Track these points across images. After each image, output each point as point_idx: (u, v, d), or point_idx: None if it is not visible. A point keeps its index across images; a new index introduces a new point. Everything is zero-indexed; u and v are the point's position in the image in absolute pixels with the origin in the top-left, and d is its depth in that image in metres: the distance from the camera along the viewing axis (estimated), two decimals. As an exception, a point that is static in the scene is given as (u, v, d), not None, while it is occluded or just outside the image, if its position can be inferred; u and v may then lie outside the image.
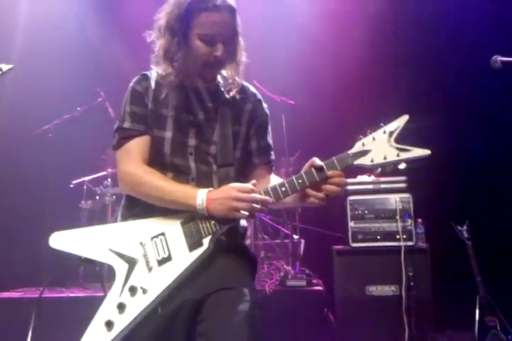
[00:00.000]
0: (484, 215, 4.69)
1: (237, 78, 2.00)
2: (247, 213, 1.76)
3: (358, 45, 5.45)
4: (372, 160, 1.74)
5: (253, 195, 1.76)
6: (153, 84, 1.98)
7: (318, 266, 4.59)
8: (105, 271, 1.86)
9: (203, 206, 1.78)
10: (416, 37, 5.33)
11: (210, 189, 1.82)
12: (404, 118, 1.74)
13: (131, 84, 2.00)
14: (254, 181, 1.83)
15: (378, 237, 3.91)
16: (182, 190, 1.84)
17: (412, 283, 3.68)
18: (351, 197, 4.03)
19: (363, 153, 1.75)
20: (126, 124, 1.94)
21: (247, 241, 4.29)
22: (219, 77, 2.05)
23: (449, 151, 5.07)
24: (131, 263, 1.82)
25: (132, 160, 1.91)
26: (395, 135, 1.74)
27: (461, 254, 3.89)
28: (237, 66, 1.98)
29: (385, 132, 1.75)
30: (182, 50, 1.88)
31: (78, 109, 5.34)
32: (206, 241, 1.81)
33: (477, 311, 3.65)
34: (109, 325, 1.74)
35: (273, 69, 5.12)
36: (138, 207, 1.95)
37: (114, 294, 1.79)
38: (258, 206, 1.76)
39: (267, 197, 1.78)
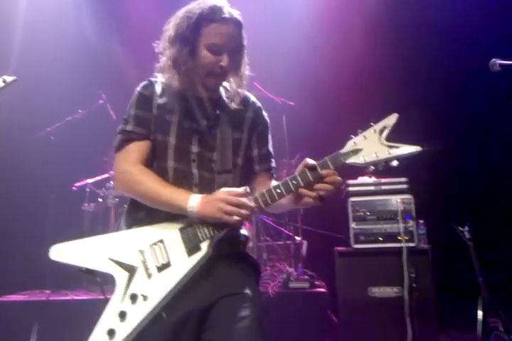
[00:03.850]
0: (486, 216, 4.69)
1: (239, 90, 2.06)
2: (236, 218, 1.77)
3: (358, 45, 5.45)
4: (364, 159, 1.76)
5: (240, 199, 1.79)
6: (158, 90, 2.03)
7: (320, 268, 4.58)
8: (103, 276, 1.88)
9: (195, 209, 1.80)
10: (415, 38, 5.33)
11: (205, 195, 1.85)
12: (394, 116, 1.77)
13: (138, 89, 2.04)
14: (247, 187, 1.87)
15: (380, 238, 3.91)
16: (176, 192, 1.87)
17: (414, 284, 3.67)
18: (353, 199, 4.03)
19: (355, 152, 1.77)
20: (129, 127, 1.98)
21: (250, 244, 4.30)
22: (221, 89, 2.09)
23: (451, 152, 5.09)
24: (131, 271, 1.83)
25: (130, 160, 1.95)
26: (385, 133, 1.76)
27: (463, 255, 3.89)
28: (241, 79, 2.04)
29: (375, 131, 1.77)
30: (190, 59, 1.93)
31: (80, 111, 5.36)
32: (204, 246, 1.83)
33: (479, 312, 3.65)
34: (111, 333, 1.74)
35: (273, 71, 5.13)
36: (142, 212, 1.98)
37: (115, 302, 1.79)
38: (244, 211, 1.78)
39: (252, 204, 1.80)
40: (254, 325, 1.75)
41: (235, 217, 1.78)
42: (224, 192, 1.82)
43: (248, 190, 1.85)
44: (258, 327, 1.76)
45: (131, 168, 1.94)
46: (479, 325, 3.60)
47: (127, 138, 1.98)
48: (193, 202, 1.81)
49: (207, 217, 1.81)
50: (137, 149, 1.96)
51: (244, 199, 1.80)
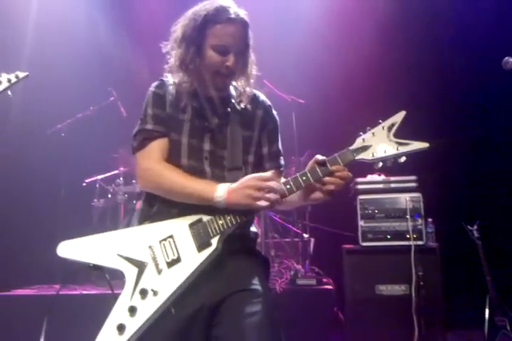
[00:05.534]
0: (495, 215, 4.67)
1: (247, 89, 2.07)
2: (265, 203, 1.79)
3: (368, 44, 5.44)
4: (373, 155, 1.80)
5: (270, 183, 1.81)
6: (170, 89, 2.05)
7: (328, 265, 4.59)
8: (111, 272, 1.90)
9: (223, 198, 1.82)
10: (426, 36, 5.32)
11: (230, 183, 1.86)
12: (402, 113, 1.81)
13: (151, 89, 2.07)
14: (273, 170, 1.91)
15: (388, 236, 3.92)
16: (203, 183, 1.89)
17: (421, 283, 3.67)
18: (361, 197, 4.04)
19: (364, 148, 1.81)
20: (149, 126, 2.01)
21: (258, 240, 4.30)
22: (231, 87, 2.11)
23: (461, 151, 5.08)
24: (141, 266, 1.85)
25: (152, 158, 1.98)
26: (393, 130, 1.80)
27: (471, 254, 3.89)
28: (248, 78, 2.05)
29: (383, 128, 1.81)
30: (197, 59, 1.95)
31: (91, 108, 5.41)
32: (214, 241, 1.84)
33: (487, 311, 3.65)
34: (120, 328, 1.75)
35: (284, 69, 5.14)
36: (154, 208, 2.00)
37: (125, 298, 1.81)
38: (272, 196, 1.79)
39: (282, 186, 1.82)
40: (265, 321, 1.77)
41: (264, 203, 1.79)
42: (251, 178, 1.83)
43: (274, 172, 1.87)
44: (268, 323, 1.78)
45: (154, 165, 1.96)
46: (486, 323, 3.60)
47: (148, 137, 2.00)
48: (221, 191, 1.83)
49: (236, 204, 1.82)
50: (158, 147, 1.99)
51: (272, 183, 1.81)
